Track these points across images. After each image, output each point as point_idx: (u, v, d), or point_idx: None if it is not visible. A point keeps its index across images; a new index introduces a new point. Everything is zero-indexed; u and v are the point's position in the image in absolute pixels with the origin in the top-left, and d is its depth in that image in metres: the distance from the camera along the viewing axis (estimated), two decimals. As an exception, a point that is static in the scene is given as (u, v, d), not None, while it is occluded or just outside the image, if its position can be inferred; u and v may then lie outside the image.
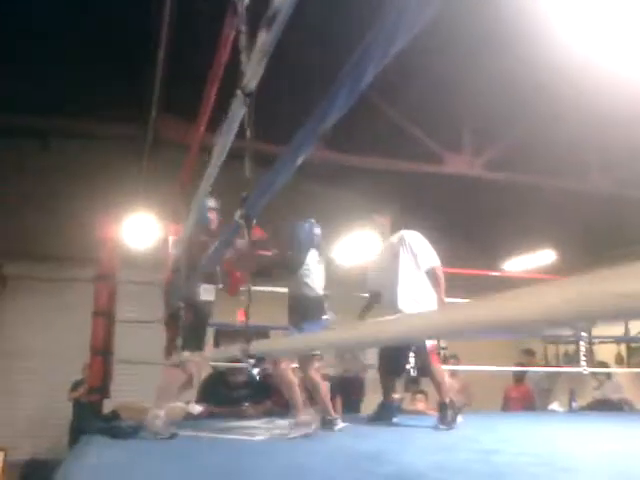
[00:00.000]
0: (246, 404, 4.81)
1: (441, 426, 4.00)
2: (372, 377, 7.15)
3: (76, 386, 6.59)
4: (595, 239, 8.10)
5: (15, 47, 5.64)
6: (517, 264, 8.95)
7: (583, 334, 6.31)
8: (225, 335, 4.85)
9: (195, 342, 3.73)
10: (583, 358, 6.39)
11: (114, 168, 7.36)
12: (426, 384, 5.33)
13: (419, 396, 6.17)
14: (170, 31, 4.72)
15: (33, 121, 6.58)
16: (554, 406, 6.94)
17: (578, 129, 5.95)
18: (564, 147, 6.29)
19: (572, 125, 5.91)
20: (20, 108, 6.12)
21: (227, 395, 4.89)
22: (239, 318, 4.09)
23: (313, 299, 3.92)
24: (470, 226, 9.08)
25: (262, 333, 5.20)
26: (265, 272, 4.04)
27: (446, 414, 4.03)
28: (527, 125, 6.12)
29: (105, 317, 4.48)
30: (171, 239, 4.34)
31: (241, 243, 3.62)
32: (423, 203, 7.93)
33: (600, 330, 6.95)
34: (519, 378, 7.82)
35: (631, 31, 4.32)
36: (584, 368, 6.32)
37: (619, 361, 9.06)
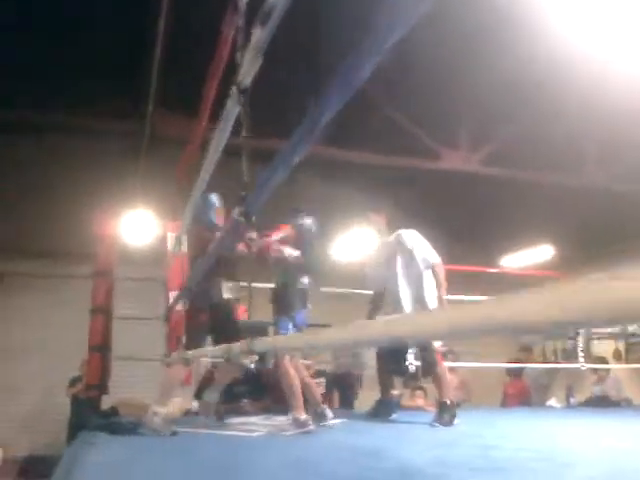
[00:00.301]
0: (245, 400, 4.82)
1: (437, 424, 4.00)
2: (369, 374, 7.18)
3: (74, 382, 6.59)
4: (592, 234, 8.11)
5: (12, 43, 5.61)
6: (514, 260, 8.96)
7: (581, 330, 6.31)
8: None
9: (201, 344, 3.73)
10: (581, 354, 6.40)
11: (112, 164, 7.34)
12: (425, 380, 5.33)
13: (418, 392, 6.18)
14: (167, 25, 4.70)
15: (29, 116, 6.55)
16: (552, 402, 6.96)
17: (575, 125, 5.95)
18: (561, 143, 6.30)
19: (569, 121, 5.92)
20: (16, 103, 6.10)
21: (226, 392, 4.90)
22: (240, 314, 4.11)
23: (299, 291, 3.95)
24: (467, 222, 9.08)
25: (262, 329, 5.22)
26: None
27: (444, 414, 4.04)
28: (524, 121, 6.12)
29: (103, 313, 4.47)
30: (169, 235, 4.34)
31: (256, 245, 3.68)
32: (420, 199, 7.93)
33: (598, 326, 6.95)
34: (516, 374, 7.83)
35: (627, 26, 4.32)
36: (582, 364, 6.34)
37: (617, 357, 9.08)
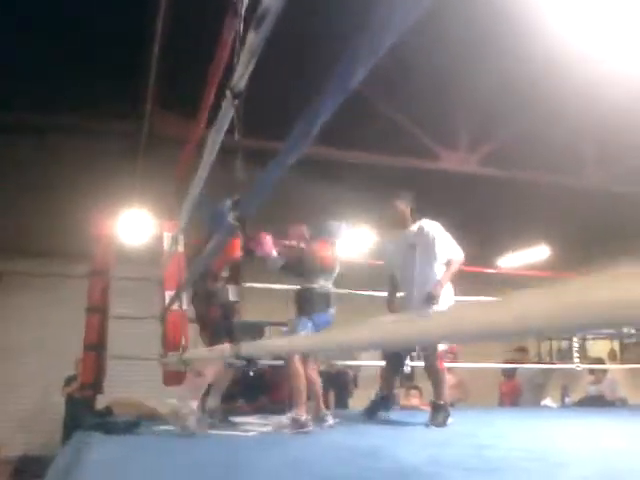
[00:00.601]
0: (240, 400, 4.82)
1: (431, 425, 4.01)
2: (364, 374, 7.20)
3: (69, 382, 6.59)
4: (591, 235, 8.13)
5: (12, 44, 5.59)
6: (512, 260, 8.98)
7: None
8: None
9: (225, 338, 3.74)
10: (576, 354, 6.42)
11: (109, 164, 7.33)
12: (420, 380, 5.35)
13: (413, 392, 6.20)
14: (165, 26, 4.70)
15: (27, 117, 6.54)
16: (547, 402, 6.98)
17: (574, 125, 5.96)
18: (559, 143, 6.30)
19: (568, 122, 5.92)
20: (14, 104, 6.08)
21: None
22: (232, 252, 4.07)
23: (321, 293, 3.99)
24: (465, 222, 9.08)
25: (258, 329, 5.23)
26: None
27: (438, 415, 4.05)
28: (523, 122, 6.12)
29: (99, 313, 4.47)
30: (166, 235, 4.35)
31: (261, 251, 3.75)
32: (418, 199, 7.92)
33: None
34: (509, 374, 7.87)
35: (627, 26, 4.33)
36: (577, 365, 6.36)
37: (612, 357, 9.11)
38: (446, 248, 4.18)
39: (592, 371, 7.10)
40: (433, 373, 4.19)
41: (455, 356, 7.19)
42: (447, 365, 6.28)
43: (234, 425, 3.91)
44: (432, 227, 4.24)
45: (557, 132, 6.14)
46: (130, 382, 6.49)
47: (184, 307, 3.98)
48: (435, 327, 0.80)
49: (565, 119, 5.90)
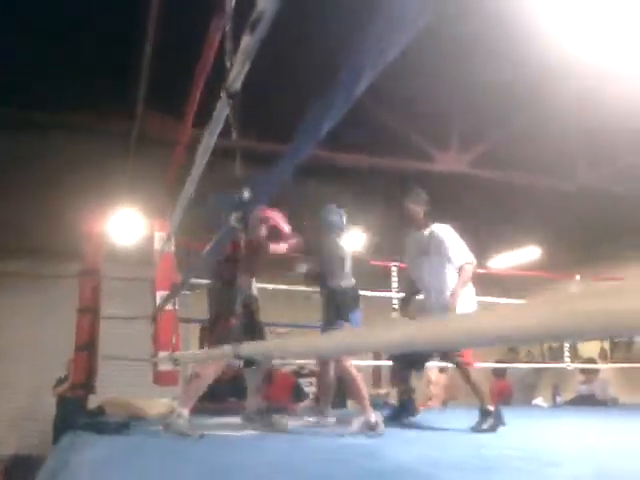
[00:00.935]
0: (232, 399, 4.81)
1: (478, 431, 3.89)
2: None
3: (60, 382, 6.56)
4: (584, 236, 8.17)
5: (7, 44, 5.56)
6: (503, 261, 9.01)
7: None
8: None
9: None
10: (567, 354, 6.45)
11: (100, 164, 7.29)
12: (413, 379, 5.33)
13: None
14: (158, 26, 4.68)
15: (15, 116, 6.50)
16: (538, 401, 7.01)
17: (567, 127, 5.98)
18: (553, 145, 6.33)
19: (561, 123, 5.95)
20: (4, 102, 6.04)
21: (212, 390, 4.89)
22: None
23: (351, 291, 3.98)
24: (459, 223, 9.10)
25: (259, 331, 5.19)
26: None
27: (486, 420, 3.92)
28: (516, 123, 6.14)
29: (90, 312, 4.46)
30: (157, 235, 4.34)
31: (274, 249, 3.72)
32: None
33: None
34: (499, 374, 7.91)
35: (621, 28, 4.35)
36: (568, 364, 6.39)
37: (603, 357, 9.16)
38: (457, 252, 4.12)
39: (583, 370, 7.14)
40: (463, 374, 4.05)
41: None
42: (439, 364, 6.30)
43: (223, 425, 3.88)
44: (444, 231, 4.20)
45: (550, 133, 6.17)
46: (121, 382, 6.47)
47: (177, 307, 3.97)
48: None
49: (558, 121, 5.92)
